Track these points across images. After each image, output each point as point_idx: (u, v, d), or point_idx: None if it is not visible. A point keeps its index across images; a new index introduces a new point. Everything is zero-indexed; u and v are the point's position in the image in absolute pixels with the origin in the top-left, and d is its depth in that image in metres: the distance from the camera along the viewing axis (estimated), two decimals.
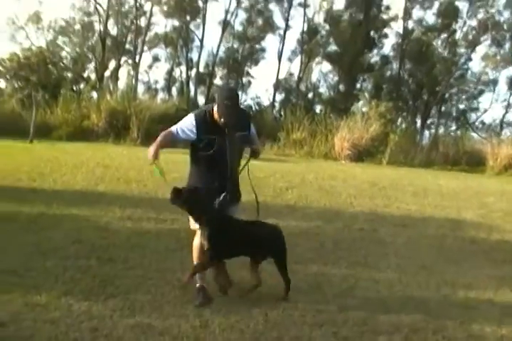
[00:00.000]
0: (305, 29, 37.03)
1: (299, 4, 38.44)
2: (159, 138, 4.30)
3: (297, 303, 4.23)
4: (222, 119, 4.15)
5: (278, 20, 42.86)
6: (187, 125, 4.26)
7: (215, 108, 4.19)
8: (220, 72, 44.72)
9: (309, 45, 37.92)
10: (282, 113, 33.69)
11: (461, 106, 37.21)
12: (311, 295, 4.48)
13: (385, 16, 34.37)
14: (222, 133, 4.20)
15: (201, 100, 42.05)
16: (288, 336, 3.61)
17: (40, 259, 4.78)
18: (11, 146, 15.13)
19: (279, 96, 42.18)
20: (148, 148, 4.32)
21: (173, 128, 4.30)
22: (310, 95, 42.09)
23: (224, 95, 4.23)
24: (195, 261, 4.34)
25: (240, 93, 36.71)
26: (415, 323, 4.02)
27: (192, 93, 41.25)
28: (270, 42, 64.48)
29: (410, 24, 34.76)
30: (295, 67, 47.87)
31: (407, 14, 33.85)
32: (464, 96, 36.81)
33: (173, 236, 6.08)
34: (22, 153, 13.56)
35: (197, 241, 4.32)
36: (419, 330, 3.90)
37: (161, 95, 44.76)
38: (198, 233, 4.32)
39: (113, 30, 41.59)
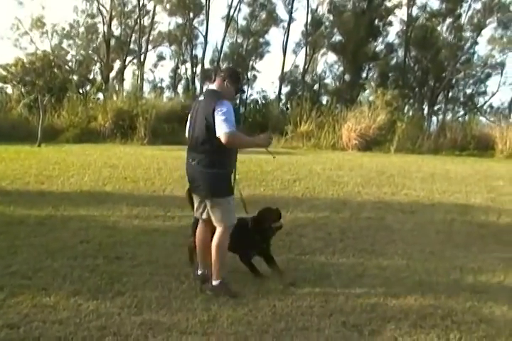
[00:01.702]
0: (309, 21, 36.78)
1: None
2: (242, 138, 4.25)
3: (305, 294, 4.23)
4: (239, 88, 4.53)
5: (281, 12, 42.78)
6: (232, 114, 4.12)
7: (228, 85, 4.32)
8: None
9: (314, 36, 37.75)
10: (289, 105, 33.54)
11: (469, 91, 37.03)
12: (319, 285, 4.46)
13: (388, 4, 34.14)
14: None
15: None
16: (296, 327, 3.61)
17: (48, 260, 4.81)
18: (20, 151, 15.19)
19: (285, 89, 42.11)
20: (251, 145, 4.60)
21: (231, 126, 4.02)
22: (316, 87, 42.03)
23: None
24: (220, 259, 4.20)
25: (246, 87, 36.50)
26: (424, 309, 4.01)
27: (198, 90, 41.21)
28: (274, 36, 64.41)
29: (414, 11, 34.60)
30: (300, 59, 47.86)
31: (411, 0, 33.55)
32: (471, 81, 36.60)
33: (180, 233, 6.06)
34: (30, 156, 13.61)
35: (221, 239, 4.21)
36: (427, 316, 3.89)
37: (166, 93, 44.85)
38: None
39: (117, 30, 41.65)
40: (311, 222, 7.09)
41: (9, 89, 31.45)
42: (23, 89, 26.50)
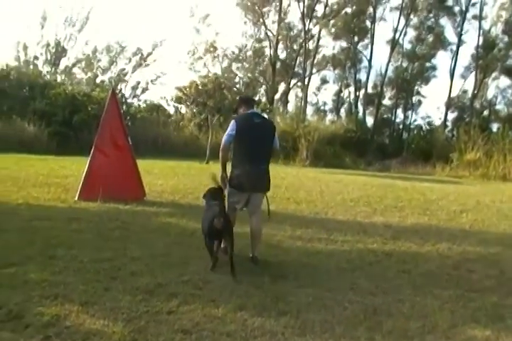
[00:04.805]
0: (480, 43, 35.09)
1: (474, 17, 36.76)
2: None
3: (476, 336, 3.96)
4: None
5: (450, 35, 41.37)
6: None
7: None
8: (388, 92, 44.08)
9: (485, 59, 35.89)
10: (455, 132, 32.17)
11: None
12: (491, 328, 4.12)
13: None
14: None
15: (370, 121, 41.80)
16: None
17: (217, 273, 5.06)
18: (190, 167, 16.24)
19: (451, 115, 40.56)
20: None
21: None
22: (485, 113, 39.80)
23: None
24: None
25: (410, 113, 35.74)
26: None
27: (360, 113, 41.13)
28: (441, 60, 62.16)
29: None
30: (469, 84, 45.69)
31: None
32: None
33: (343, 257, 6.07)
34: (200, 173, 14.47)
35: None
36: None
37: (329, 116, 45.39)
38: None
39: (282, 54, 43.30)
40: (481, 257, 6.64)
41: (183, 109, 34.01)
42: (194, 110, 28.39)
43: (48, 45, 39.60)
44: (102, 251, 5.61)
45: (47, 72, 39.08)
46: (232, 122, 5.69)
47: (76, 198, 9.07)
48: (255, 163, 5.66)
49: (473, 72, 38.43)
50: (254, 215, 5.84)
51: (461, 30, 37.10)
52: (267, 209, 6.03)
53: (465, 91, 41.14)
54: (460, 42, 37.63)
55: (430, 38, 40.54)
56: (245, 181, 5.62)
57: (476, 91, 37.79)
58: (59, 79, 37.71)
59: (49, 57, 39.86)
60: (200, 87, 25.52)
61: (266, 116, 30.60)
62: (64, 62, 41.36)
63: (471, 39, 64.18)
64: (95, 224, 7.16)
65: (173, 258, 5.53)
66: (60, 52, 40.00)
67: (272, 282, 4.89)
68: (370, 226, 8.29)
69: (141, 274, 4.85)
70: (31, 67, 37.67)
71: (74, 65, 42.14)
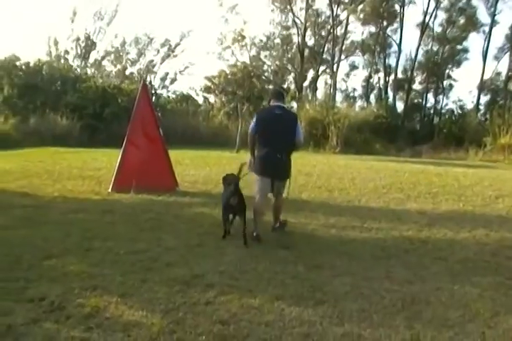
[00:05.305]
0: None
1: None
2: None
3: None
4: None
5: (482, 16, 40.45)
6: None
7: None
8: (419, 77, 43.40)
9: None
10: (488, 116, 31.53)
11: None
12: None
13: None
14: None
15: (400, 106, 41.27)
16: None
17: (252, 263, 5.04)
18: (221, 156, 16.26)
19: (484, 98, 39.69)
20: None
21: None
22: None
23: None
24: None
25: (441, 97, 35.05)
26: None
27: (390, 99, 40.61)
28: (473, 42, 60.81)
29: None
30: (503, 66, 44.61)
31: None
32: None
33: (378, 245, 6.01)
34: (231, 162, 14.48)
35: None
36: None
37: (359, 103, 44.93)
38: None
39: (310, 41, 42.89)
40: None
41: (211, 99, 34.10)
42: (224, 99, 28.43)
43: (78, 39, 40.08)
44: (137, 243, 5.66)
45: (77, 65, 39.59)
46: (255, 114, 6.47)
47: (109, 190, 9.17)
48: (273, 152, 6.16)
49: (508, 53, 37.51)
50: (277, 197, 6.53)
51: (495, 10, 36.20)
52: (287, 191, 6.63)
53: (498, 74, 40.21)
54: (493, 23, 36.75)
55: (461, 20, 39.63)
56: (264, 168, 6.25)
57: (510, 73, 36.87)
58: (89, 73, 38.17)
59: (79, 51, 40.36)
60: (229, 76, 25.54)
61: (295, 106, 30.50)
62: (94, 56, 41.96)
63: (506, 19, 62.41)
64: (129, 215, 7.23)
65: (207, 249, 5.55)
66: (89, 45, 40.44)
67: (307, 271, 4.87)
68: (403, 214, 8.18)
69: (176, 265, 4.87)
70: (62, 61, 38.16)
71: (103, 57, 42.63)
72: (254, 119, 6.38)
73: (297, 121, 6.39)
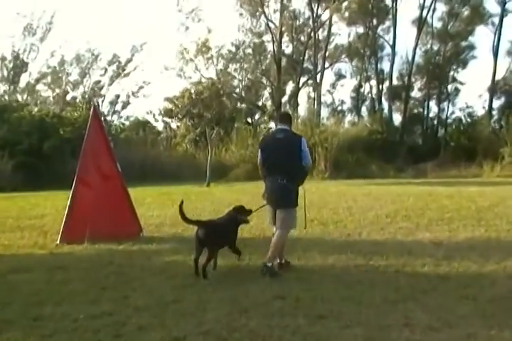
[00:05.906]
0: None
1: None
2: None
3: None
4: None
5: (490, 5, 40.64)
6: None
7: None
8: (418, 82, 43.82)
9: None
10: (503, 122, 31.90)
11: None
12: None
13: None
14: None
15: (397, 118, 41.65)
16: None
17: (241, 318, 4.98)
18: (188, 192, 16.24)
19: (497, 102, 39.96)
20: None
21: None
22: None
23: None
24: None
25: (445, 104, 35.38)
26: None
27: (385, 111, 40.96)
28: (481, 36, 61.52)
29: None
30: None
31: None
32: None
33: (389, 286, 6.02)
34: (201, 197, 14.49)
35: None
36: None
37: (348, 117, 45.29)
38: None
39: (288, 48, 43.10)
40: None
41: (173, 124, 34.18)
42: (189, 123, 28.50)
43: (4, 58, 39.78)
44: (99, 304, 5.57)
45: (4, 91, 39.27)
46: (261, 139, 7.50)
47: (58, 242, 9.09)
48: (274, 178, 6.79)
49: None
50: (278, 229, 6.83)
51: None
52: (304, 221, 7.32)
53: None
54: (504, 13, 36.96)
55: (466, 12, 39.93)
56: (267, 195, 6.96)
57: None
58: (21, 100, 37.89)
59: (5, 74, 39.98)
60: (194, 96, 25.59)
61: (273, 126, 30.64)
62: (25, 79, 41.63)
63: None
64: (85, 271, 7.15)
65: (186, 305, 5.48)
66: (19, 67, 40.11)
67: (309, 324, 4.83)
68: (415, 246, 8.25)
69: (150, 328, 4.79)
70: None
71: (38, 80, 42.31)
72: (259, 144, 7.34)
73: (301, 143, 6.82)
